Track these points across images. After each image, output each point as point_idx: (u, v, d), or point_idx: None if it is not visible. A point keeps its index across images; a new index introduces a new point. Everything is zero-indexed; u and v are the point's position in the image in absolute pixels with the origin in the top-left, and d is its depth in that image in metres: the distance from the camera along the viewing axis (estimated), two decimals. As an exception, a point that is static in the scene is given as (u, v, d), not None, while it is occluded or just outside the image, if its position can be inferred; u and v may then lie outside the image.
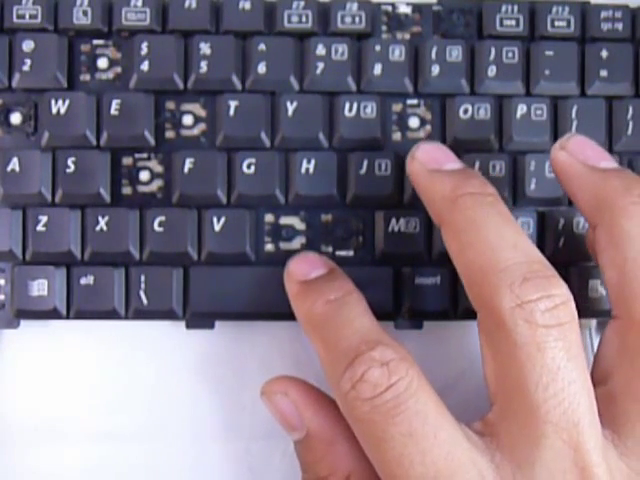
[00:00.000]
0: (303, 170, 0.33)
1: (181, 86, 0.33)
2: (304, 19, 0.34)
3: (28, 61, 0.33)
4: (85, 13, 0.33)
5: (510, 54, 0.34)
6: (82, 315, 0.32)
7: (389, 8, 0.34)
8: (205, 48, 0.33)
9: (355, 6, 0.34)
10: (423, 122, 0.34)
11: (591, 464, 0.25)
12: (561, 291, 0.26)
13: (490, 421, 0.27)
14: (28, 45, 0.33)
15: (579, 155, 0.30)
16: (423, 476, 0.25)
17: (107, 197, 0.33)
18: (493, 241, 0.27)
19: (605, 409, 0.27)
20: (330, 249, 0.33)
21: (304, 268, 0.31)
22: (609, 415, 0.27)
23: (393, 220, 0.33)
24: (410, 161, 0.30)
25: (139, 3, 0.33)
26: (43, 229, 0.32)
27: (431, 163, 0.30)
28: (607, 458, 0.26)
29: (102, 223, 0.32)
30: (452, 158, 0.30)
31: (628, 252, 0.28)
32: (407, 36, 0.34)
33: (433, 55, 0.33)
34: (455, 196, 0.28)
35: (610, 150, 0.34)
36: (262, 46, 0.33)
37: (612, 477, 0.25)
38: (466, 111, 0.33)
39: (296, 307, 0.30)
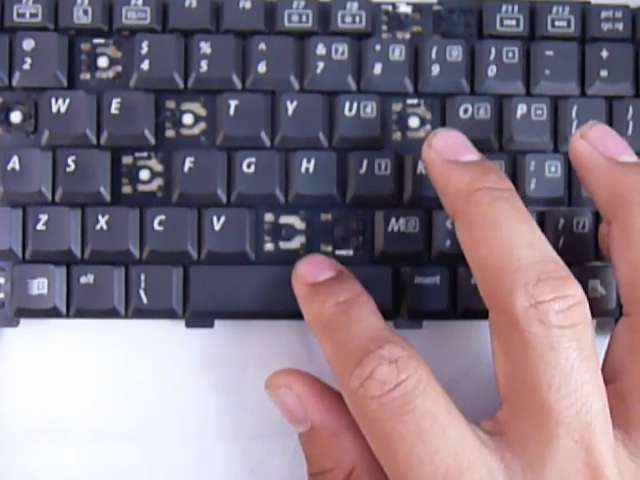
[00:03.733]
0: (303, 169, 0.33)
1: (181, 85, 0.33)
2: (304, 18, 0.34)
3: (28, 60, 0.33)
4: (85, 12, 0.33)
5: (510, 54, 0.34)
6: (82, 314, 0.32)
7: (389, 8, 0.34)
8: (205, 47, 0.33)
9: (355, 6, 0.34)
10: (423, 122, 0.34)
11: (602, 465, 0.25)
12: (575, 292, 0.26)
13: (500, 420, 0.27)
14: (28, 44, 0.33)
15: (599, 146, 0.29)
16: (432, 475, 0.25)
17: (107, 196, 0.33)
18: (507, 239, 0.26)
19: (615, 408, 0.26)
20: (330, 249, 0.33)
21: (313, 270, 0.31)
22: (619, 415, 0.27)
23: (393, 220, 0.33)
24: (426, 149, 0.29)
25: (139, 2, 0.33)
26: (43, 228, 0.32)
27: (448, 153, 0.29)
28: (617, 459, 0.26)
29: (102, 222, 0.32)
30: (470, 148, 0.29)
31: None
32: (407, 36, 0.34)
33: (433, 55, 0.33)
34: (471, 190, 0.27)
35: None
36: (262, 45, 0.33)
37: (622, 478, 0.25)
38: (466, 111, 0.33)
39: (305, 309, 0.30)
